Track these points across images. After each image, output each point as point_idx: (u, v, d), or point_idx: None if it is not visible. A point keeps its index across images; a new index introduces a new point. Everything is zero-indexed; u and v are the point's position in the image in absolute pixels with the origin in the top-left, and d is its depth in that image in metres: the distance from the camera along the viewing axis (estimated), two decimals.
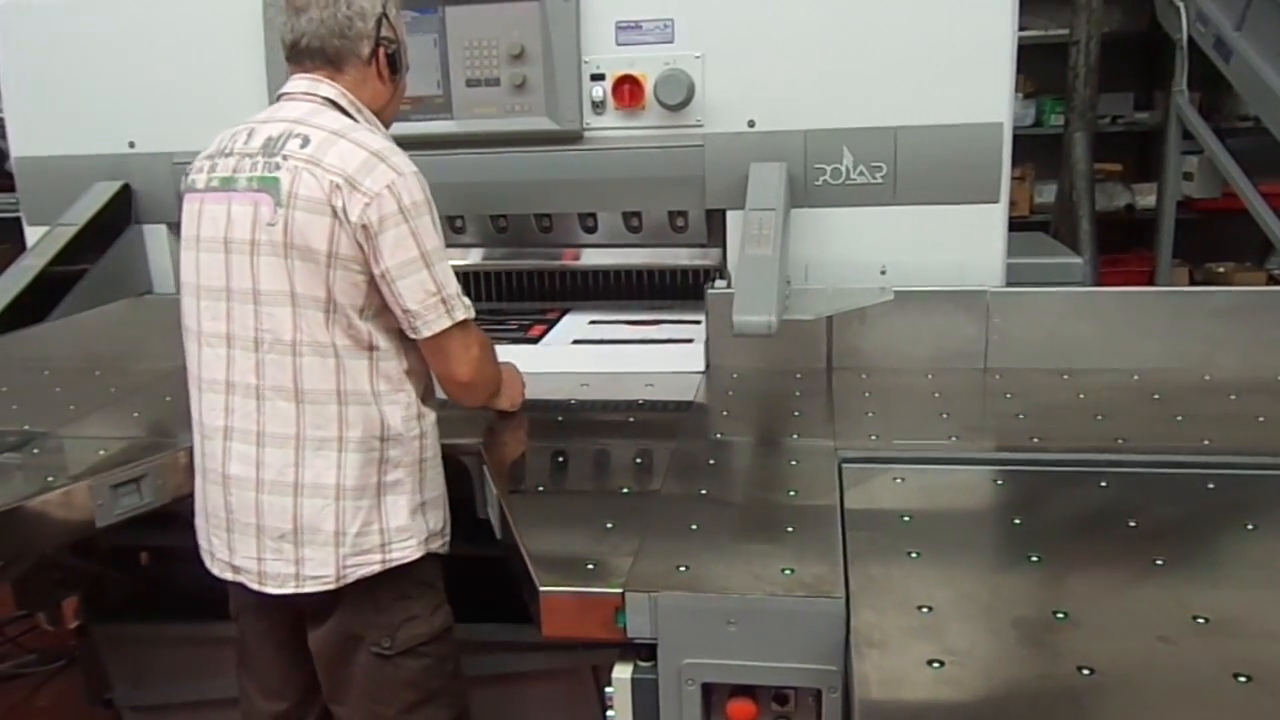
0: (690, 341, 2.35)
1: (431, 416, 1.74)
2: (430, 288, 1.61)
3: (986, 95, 2.22)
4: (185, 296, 1.73)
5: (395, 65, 1.76)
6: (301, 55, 1.70)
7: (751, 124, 2.30)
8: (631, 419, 2.08)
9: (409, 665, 1.72)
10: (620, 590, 1.34)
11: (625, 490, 1.71)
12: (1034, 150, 4.49)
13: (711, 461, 1.81)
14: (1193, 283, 4.62)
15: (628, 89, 2.30)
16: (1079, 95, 3.80)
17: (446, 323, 1.64)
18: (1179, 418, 1.93)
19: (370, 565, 1.66)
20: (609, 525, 1.55)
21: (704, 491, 1.67)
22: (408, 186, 1.60)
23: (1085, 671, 1.11)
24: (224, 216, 1.65)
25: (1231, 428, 1.87)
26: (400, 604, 1.71)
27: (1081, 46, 3.75)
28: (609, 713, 1.38)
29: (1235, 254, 4.84)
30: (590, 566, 1.42)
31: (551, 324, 2.55)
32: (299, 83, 1.71)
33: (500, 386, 1.89)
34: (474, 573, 1.81)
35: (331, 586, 1.65)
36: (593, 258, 2.62)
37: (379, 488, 1.66)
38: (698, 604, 1.32)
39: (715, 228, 2.44)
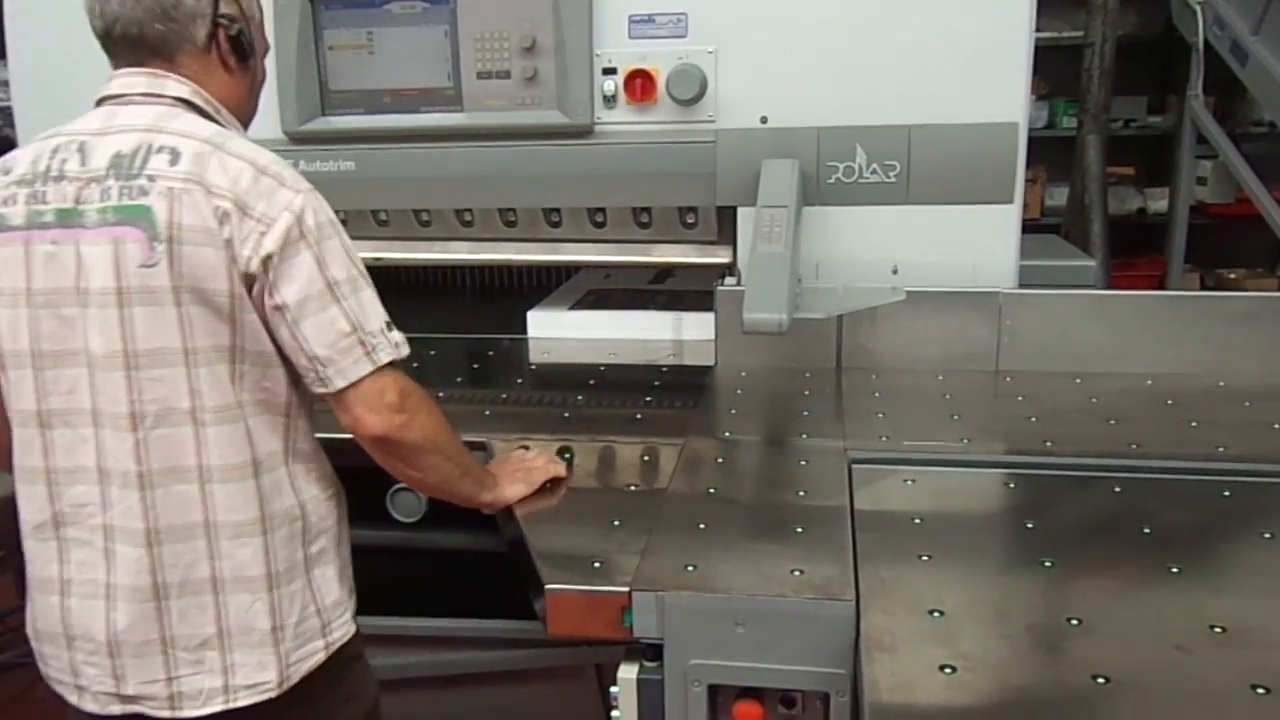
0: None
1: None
2: (343, 326, 1.31)
3: (1002, 95, 2.20)
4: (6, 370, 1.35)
5: (243, 50, 1.41)
6: (119, 46, 1.35)
7: (764, 120, 2.28)
8: (639, 415, 2.06)
9: None
10: (627, 589, 1.33)
11: (633, 487, 1.70)
12: (1046, 152, 4.46)
13: (720, 460, 1.80)
14: (1203, 288, 4.59)
15: (640, 83, 2.28)
16: (1092, 97, 3.77)
17: (367, 367, 1.32)
18: (1193, 423, 1.91)
19: (315, 656, 1.40)
20: (616, 523, 1.54)
21: (712, 490, 1.65)
22: (310, 205, 1.31)
23: (1100, 680, 1.09)
24: (71, 262, 1.29)
25: (1246, 435, 1.85)
26: (333, 690, 1.46)
27: (1096, 49, 3.72)
28: (614, 713, 1.37)
29: (1247, 260, 4.82)
30: (597, 565, 1.41)
31: None
32: (133, 80, 1.36)
33: (462, 458, 1.50)
34: (476, 567, 1.80)
35: (274, 693, 1.36)
36: (601, 254, 2.60)
37: (306, 562, 1.40)
38: (705, 604, 1.31)
39: (726, 224, 2.42)
